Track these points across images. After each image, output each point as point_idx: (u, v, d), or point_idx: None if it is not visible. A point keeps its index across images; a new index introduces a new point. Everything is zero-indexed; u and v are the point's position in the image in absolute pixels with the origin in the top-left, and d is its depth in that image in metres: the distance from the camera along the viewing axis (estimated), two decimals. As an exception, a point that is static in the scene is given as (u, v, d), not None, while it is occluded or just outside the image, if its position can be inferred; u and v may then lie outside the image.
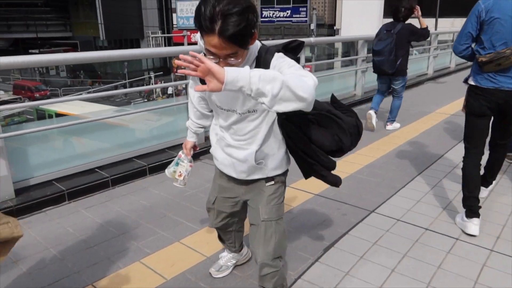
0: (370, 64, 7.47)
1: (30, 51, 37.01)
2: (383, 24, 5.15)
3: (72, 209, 3.04)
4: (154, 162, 3.76)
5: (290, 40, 1.57)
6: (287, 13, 30.45)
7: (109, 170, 3.55)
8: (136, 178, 3.59)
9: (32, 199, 3.02)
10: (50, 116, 12.28)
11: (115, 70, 37.33)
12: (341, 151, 1.67)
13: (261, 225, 1.69)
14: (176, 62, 1.23)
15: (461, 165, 2.79)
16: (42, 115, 13.70)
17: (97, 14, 39.28)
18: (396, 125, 5.31)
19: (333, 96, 1.75)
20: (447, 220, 2.81)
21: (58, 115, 11.32)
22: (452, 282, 2.16)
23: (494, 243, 2.53)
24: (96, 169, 3.57)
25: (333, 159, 1.70)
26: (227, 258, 2.22)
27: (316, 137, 1.62)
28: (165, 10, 40.88)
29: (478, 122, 2.67)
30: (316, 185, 3.36)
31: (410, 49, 5.21)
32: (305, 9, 29.55)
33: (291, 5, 30.16)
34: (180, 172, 1.97)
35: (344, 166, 3.78)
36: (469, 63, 2.80)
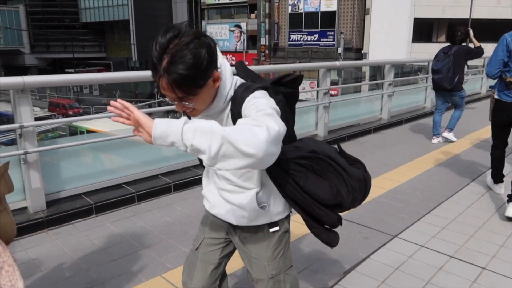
0: (397, 88, 7.56)
1: (66, 70, 38.78)
2: (441, 48, 5.71)
3: (98, 222, 3.14)
4: (179, 180, 3.84)
5: (286, 74, 1.40)
6: (315, 37, 30.77)
7: (135, 186, 3.65)
8: (161, 195, 3.67)
9: (62, 211, 3.14)
10: (82, 133, 12.71)
11: (146, 90, 38.49)
12: (340, 207, 1.40)
13: (270, 282, 1.49)
14: (108, 108, 1.16)
15: (487, 194, 2.96)
16: (74, 132, 14.20)
17: (131, 36, 40.87)
18: (452, 136, 5.79)
19: (339, 147, 1.51)
20: (473, 248, 2.74)
21: (89, 131, 11.73)
22: (477, 312, 2.09)
23: (523, 274, 2.44)
24: (123, 185, 3.68)
25: (333, 214, 1.42)
26: None
27: (310, 186, 1.35)
28: (196, 32, 41.97)
29: (501, 129, 3.63)
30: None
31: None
32: (332, 33, 29.81)
33: (319, 29, 30.49)
34: None
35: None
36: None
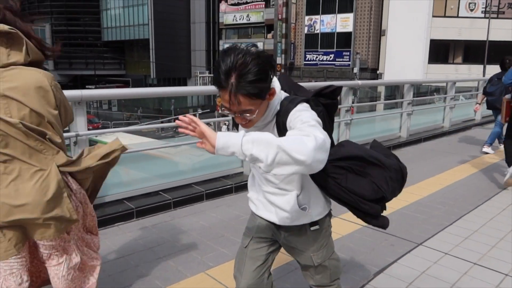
0: (415, 108, 7.75)
1: (87, 86, 39.89)
2: (495, 73, 6.61)
3: (140, 225, 3.38)
4: (211, 189, 4.08)
5: (325, 86, 1.51)
6: (330, 57, 31.22)
7: (171, 194, 3.90)
8: (194, 202, 3.91)
9: (106, 214, 3.39)
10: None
11: (164, 106, 39.33)
12: (383, 199, 1.55)
13: (317, 268, 1.69)
14: (177, 122, 1.27)
15: (508, 208, 3.54)
16: (94, 145, 14.67)
17: (150, 54, 42.00)
18: (490, 149, 6.40)
19: (375, 141, 1.68)
20: (496, 257, 2.89)
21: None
22: (501, 312, 2.24)
23: (544, 281, 2.58)
24: (160, 192, 3.93)
25: (378, 205, 1.57)
26: None
27: (351, 186, 1.50)
28: (213, 51, 43.02)
29: None
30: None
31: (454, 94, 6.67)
32: (348, 53, 30.21)
33: (334, 49, 30.96)
34: None
35: (390, 202, 3.91)
36: None
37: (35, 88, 1.63)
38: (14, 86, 1.59)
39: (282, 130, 1.40)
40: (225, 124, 23.18)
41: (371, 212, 1.56)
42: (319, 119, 1.35)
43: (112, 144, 1.94)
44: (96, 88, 34.69)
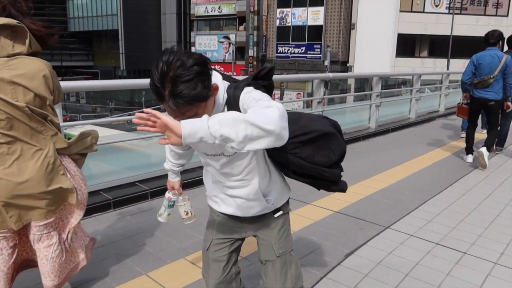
0: (384, 100, 8.04)
1: (53, 78, 38.57)
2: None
3: (118, 215, 3.42)
4: (187, 179, 4.14)
5: (260, 69, 1.55)
6: (302, 50, 31.49)
7: (148, 184, 3.94)
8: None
9: (83, 205, 3.41)
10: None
11: (134, 99, 38.61)
12: (338, 162, 1.62)
13: (277, 261, 1.68)
14: (134, 120, 1.19)
15: (467, 194, 3.86)
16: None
17: (119, 45, 41.03)
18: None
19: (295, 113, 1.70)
20: (456, 237, 3.12)
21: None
22: (459, 285, 2.46)
23: (498, 257, 2.82)
24: (137, 183, 3.97)
25: (337, 171, 1.63)
26: None
27: (311, 156, 1.56)
28: (184, 43, 42.50)
29: (473, 114, 5.44)
30: (335, 203, 3.71)
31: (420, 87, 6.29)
32: (319, 46, 30.58)
33: (306, 42, 31.24)
34: (185, 211, 1.95)
35: (360, 189, 4.12)
36: None
37: (38, 75, 1.83)
38: (20, 73, 1.78)
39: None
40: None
41: (332, 178, 1.60)
42: (268, 95, 1.40)
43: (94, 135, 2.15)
44: (63, 80, 33.58)
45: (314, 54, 31.07)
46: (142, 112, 1.18)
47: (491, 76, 5.02)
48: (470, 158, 5.40)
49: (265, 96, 1.35)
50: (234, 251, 1.75)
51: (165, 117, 1.16)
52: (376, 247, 2.93)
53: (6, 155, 1.79)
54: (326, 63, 28.81)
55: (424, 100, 9.81)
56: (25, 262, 2.14)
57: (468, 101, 5.52)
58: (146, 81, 4.12)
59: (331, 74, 6.44)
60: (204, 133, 1.14)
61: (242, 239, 1.76)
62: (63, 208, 2.02)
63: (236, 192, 1.58)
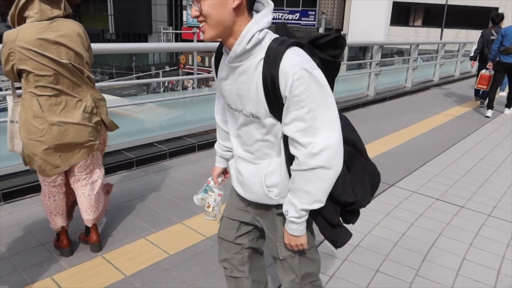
0: (383, 68, 8.25)
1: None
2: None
3: (143, 172, 3.67)
4: (202, 141, 4.39)
5: (322, 34, 1.27)
6: (296, 16, 31.14)
7: (167, 145, 4.18)
8: (188, 153, 4.22)
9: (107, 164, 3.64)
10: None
11: (123, 63, 38.02)
12: (350, 205, 1.31)
13: (281, 263, 1.46)
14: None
15: (464, 156, 4.04)
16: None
17: (108, 7, 39.91)
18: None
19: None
20: (453, 194, 3.46)
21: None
22: (455, 234, 2.80)
23: (491, 210, 3.17)
24: (155, 143, 4.20)
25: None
26: None
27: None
28: (175, 6, 41.51)
29: (498, 74, 6.67)
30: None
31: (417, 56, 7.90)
32: (314, 13, 30.25)
33: (300, 8, 30.86)
34: (208, 203, 1.66)
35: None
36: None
37: (76, 35, 2.10)
38: (62, 34, 2.04)
39: (270, 90, 1.16)
40: (190, 82, 23.10)
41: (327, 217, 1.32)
42: (326, 82, 1.16)
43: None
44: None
45: (308, 20, 30.78)
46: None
47: None
48: (489, 112, 6.69)
49: (323, 101, 1.15)
50: (243, 236, 1.53)
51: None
52: (384, 201, 3.25)
53: (55, 106, 2.08)
54: (321, 30, 28.62)
55: (419, 70, 10.04)
56: (74, 203, 2.44)
57: (492, 71, 6.77)
58: (143, 45, 4.28)
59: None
60: (299, 221, 1.27)
61: (253, 226, 1.51)
62: (93, 155, 2.32)
63: (242, 166, 1.39)
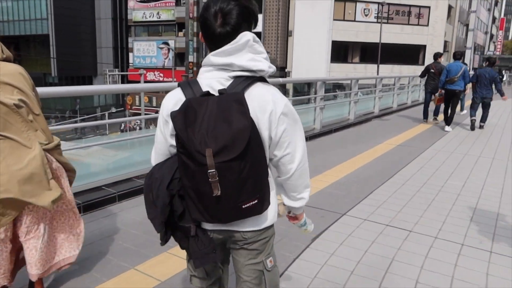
0: (328, 102, 8.64)
1: (-26, 86, 35.54)
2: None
3: (91, 218, 3.50)
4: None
5: None
6: (242, 56, 32.00)
7: (115, 187, 4.04)
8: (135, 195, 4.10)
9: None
10: None
11: (66, 106, 36.75)
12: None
13: (268, 274, 1.56)
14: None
15: (408, 182, 3.75)
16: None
17: (50, 51, 38.92)
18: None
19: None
20: (402, 219, 3.60)
21: None
22: (407, 259, 2.90)
23: (437, 233, 3.33)
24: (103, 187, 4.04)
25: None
26: None
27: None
28: (121, 49, 41.31)
29: (447, 100, 8.80)
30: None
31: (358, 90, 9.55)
32: (259, 52, 31.27)
33: (245, 48, 31.81)
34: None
35: (315, 183, 4.53)
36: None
37: (19, 74, 2.01)
38: (3, 73, 1.93)
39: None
40: (136, 123, 22.71)
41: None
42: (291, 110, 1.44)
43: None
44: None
45: (253, 60, 31.69)
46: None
47: (456, 77, 8.44)
48: (448, 128, 8.67)
49: (300, 133, 1.50)
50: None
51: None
52: (337, 231, 3.31)
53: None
54: (266, 68, 29.51)
55: (360, 103, 10.61)
56: (21, 261, 2.24)
57: (443, 93, 8.77)
58: (91, 88, 4.22)
59: (281, 79, 6.85)
60: (302, 208, 1.68)
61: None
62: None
63: None
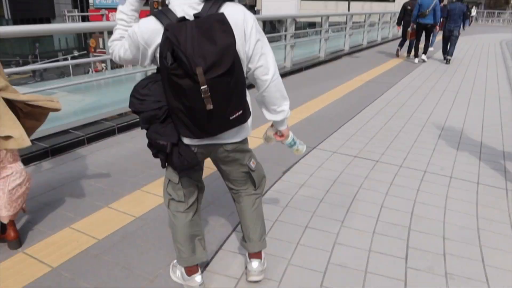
0: (298, 40, 8.49)
1: None
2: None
3: (60, 161, 3.44)
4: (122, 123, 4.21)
5: None
6: (209, -7, 30.54)
7: (83, 130, 3.94)
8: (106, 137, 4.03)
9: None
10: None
11: (25, 51, 34.59)
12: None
13: (253, 173, 1.91)
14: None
15: (378, 114, 3.76)
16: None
17: (0, -10, 35.80)
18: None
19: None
20: (369, 150, 3.73)
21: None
22: (373, 186, 3.04)
23: (402, 162, 3.48)
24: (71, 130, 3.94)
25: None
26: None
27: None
28: (78, -13, 38.41)
29: (418, 33, 9.34)
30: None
31: (328, 27, 9.43)
32: (226, -11, 29.89)
33: (212, -15, 30.29)
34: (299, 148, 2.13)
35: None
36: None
37: None
38: None
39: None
40: (102, 63, 21.71)
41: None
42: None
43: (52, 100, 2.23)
44: None
45: (221, -3, 30.36)
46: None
47: (427, 10, 8.77)
48: (416, 59, 9.35)
49: (266, 41, 1.58)
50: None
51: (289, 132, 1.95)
52: (308, 163, 3.41)
53: None
54: (235, 7, 28.43)
55: (331, 40, 10.49)
56: None
57: (415, 27, 9.19)
58: (48, 27, 3.94)
59: (256, 16, 6.61)
60: (286, 120, 1.87)
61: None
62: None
63: None
